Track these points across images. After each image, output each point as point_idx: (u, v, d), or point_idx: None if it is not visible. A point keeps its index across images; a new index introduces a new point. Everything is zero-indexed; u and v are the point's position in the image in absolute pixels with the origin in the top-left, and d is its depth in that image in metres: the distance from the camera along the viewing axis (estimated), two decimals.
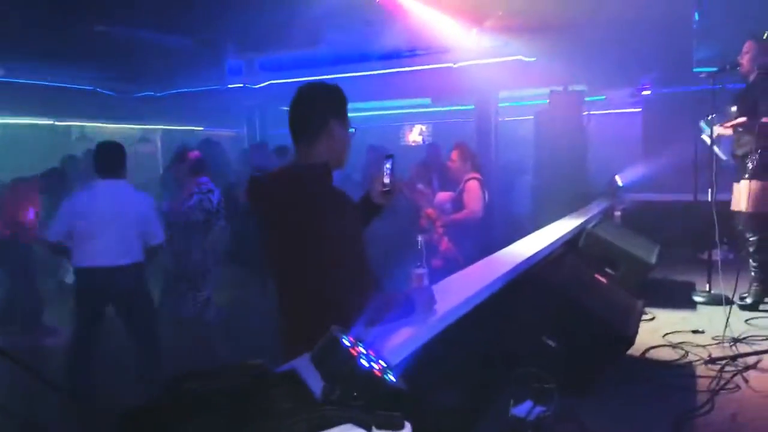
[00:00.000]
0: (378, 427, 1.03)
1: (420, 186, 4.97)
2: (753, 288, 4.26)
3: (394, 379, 1.34)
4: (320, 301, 1.89)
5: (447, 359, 2.27)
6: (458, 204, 5.03)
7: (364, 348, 1.37)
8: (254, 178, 2.29)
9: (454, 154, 4.98)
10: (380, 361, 1.39)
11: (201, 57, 8.94)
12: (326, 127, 2.06)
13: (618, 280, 3.78)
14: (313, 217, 1.94)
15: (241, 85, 10.36)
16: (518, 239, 3.95)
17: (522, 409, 2.61)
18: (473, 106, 9.41)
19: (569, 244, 4.12)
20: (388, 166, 2.36)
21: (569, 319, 2.79)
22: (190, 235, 4.09)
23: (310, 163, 2.05)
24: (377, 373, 1.31)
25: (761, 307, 4.20)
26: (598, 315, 2.79)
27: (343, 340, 1.32)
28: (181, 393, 1.02)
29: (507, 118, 10.22)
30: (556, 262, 3.36)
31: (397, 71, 8.64)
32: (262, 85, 10.27)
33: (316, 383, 1.20)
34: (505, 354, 2.69)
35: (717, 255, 4.54)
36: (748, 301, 4.22)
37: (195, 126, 12.06)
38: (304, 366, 1.32)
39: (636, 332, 2.94)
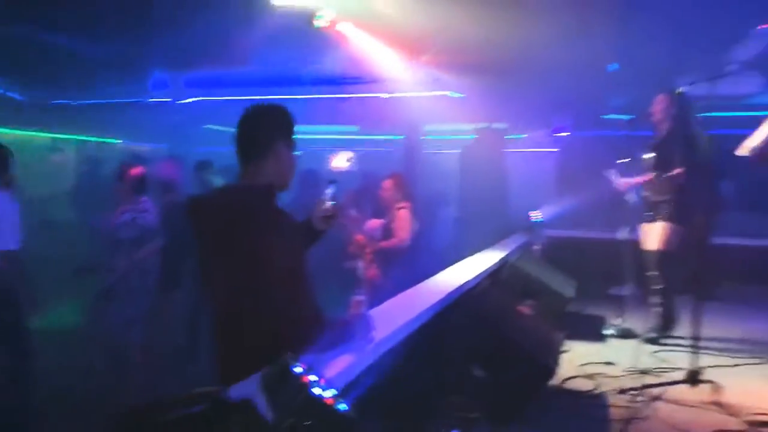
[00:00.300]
0: None
1: (352, 212, 4.99)
2: (657, 323, 4.55)
3: (346, 408, 1.34)
4: (261, 324, 1.86)
5: (380, 387, 2.28)
6: (388, 232, 5.09)
7: (314, 376, 1.37)
8: (194, 197, 2.24)
9: (388, 183, 5.06)
10: (331, 390, 1.38)
11: (123, 68, 8.61)
12: (273, 149, 2.06)
13: (538, 313, 3.93)
14: (257, 237, 1.91)
15: (165, 99, 10.05)
16: (441, 269, 4.05)
17: None
18: (401, 136, 9.60)
19: (493, 275, 4.26)
20: (329, 191, 2.38)
21: (496, 349, 2.88)
22: (119, 253, 3.92)
23: (255, 184, 2.04)
24: (329, 401, 1.31)
25: (665, 340, 4.48)
26: (524, 346, 2.89)
27: (295, 367, 1.31)
28: (142, 423, 0.97)
29: (433, 151, 10.49)
30: (483, 293, 3.46)
31: (329, 97, 8.69)
32: (187, 101, 10.02)
33: (267, 412, 1.18)
34: (435, 383, 2.73)
35: (627, 291, 4.84)
36: (653, 335, 4.50)
37: (113, 138, 11.55)
38: (251, 393, 1.29)
39: (557, 363, 3.07)
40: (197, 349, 4.34)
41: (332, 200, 2.35)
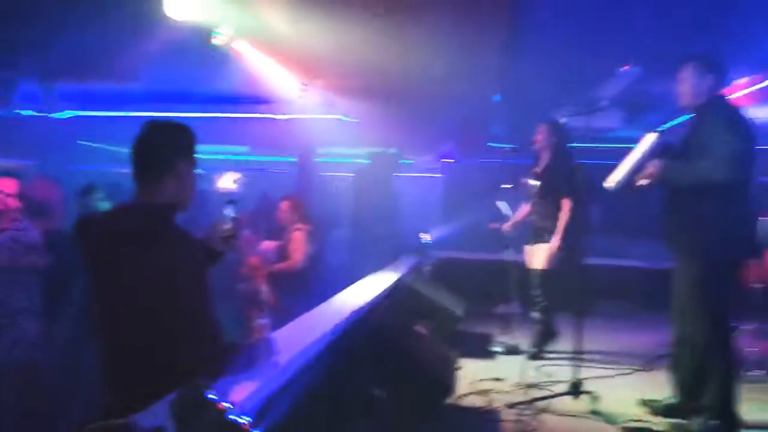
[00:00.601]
0: None
1: (246, 232, 4.88)
2: (540, 339, 4.82)
3: None
4: (163, 351, 1.76)
5: (286, 413, 2.23)
6: (283, 254, 5.03)
7: (227, 402, 1.32)
8: (84, 217, 2.10)
9: (284, 204, 5.02)
10: (245, 417, 1.34)
11: None
12: (174, 168, 1.97)
13: (433, 332, 4.04)
14: (158, 259, 1.82)
15: (36, 113, 9.28)
16: (335, 290, 4.06)
17: None
18: (294, 158, 9.56)
19: (389, 296, 4.33)
20: (229, 211, 2.33)
21: (396, 368, 2.92)
22: None
23: (154, 202, 1.94)
24: (246, 428, 1.27)
25: (549, 355, 4.76)
26: (423, 364, 2.96)
27: (209, 394, 1.26)
28: None
29: (326, 173, 10.52)
30: (381, 313, 3.50)
31: (219, 116, 8.46)
32: (61, 115, 9.31)
33: None
34: (338, 405, 2.71)
35: (511, 309, 5.11)
36: (537, 350, 4.76)
37: None
38: (162, 421, 1.22)
39: (455, 380, 3.16)
40: (77, 377, 4.01)
41: (231, 220, 2.30)
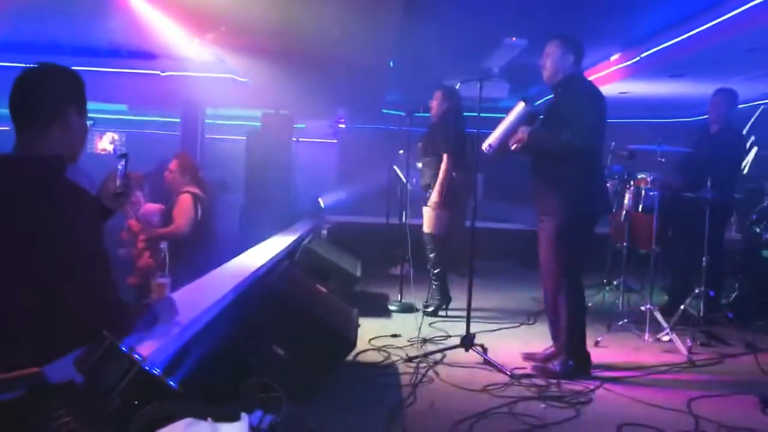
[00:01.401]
0: (216, 419, 0.98)
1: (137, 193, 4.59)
2: (433, 297, 5.02)
3: (174, 384, 1.27)
4: (61, 309, 1.63)
5: (185, 372, 2.18)
6: (168, 218, 4.75)
7: (139, 355, 1.27)
8: None
9: (173, 164, 4.73)
10: (155, 368, 1.30)
11: None
12: (62, 116, 1.81)
13: (333, 291, 4.08)
14: (50, 214, 1.68)
15: None
16: (229, 255, 3.97)
17: (253, 419, 2.64)
18: (178, 119, 9.11)
19: (289, 257, 4.30)
20: (121, 166, 2.19)
21: (299, 327, 2.92)
22: None
23: (39, 155, 1.78)
24: (161, 378, 1.23)
25: (441, 312, 4.98)
26: (325, 321, 2.99)
27: (121, 346, 1.20)
28: None
29: (215, 136, 10.13)
30: (282, 273, 3.48)
31: (93, 70, 7.82)
32: None
33: (93, 391, 1.07)
34: (238, 364, 2.68)
35: (406, 270, 5.26)
36: (431, 308, 4.96)
37: None
38: (72, 374, 1.15)
39: (356, 336, 3.23)
40: None
41: (123, 177, 2.17)
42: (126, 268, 4.50)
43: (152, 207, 4.95)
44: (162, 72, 7.71)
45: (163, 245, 2.21)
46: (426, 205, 5.01)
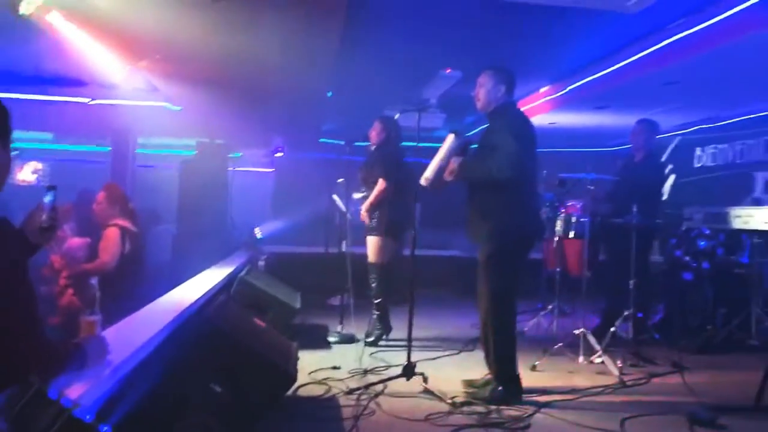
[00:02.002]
0: None
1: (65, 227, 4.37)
2: (375, 327, 5.00)
3: (108, 429, 1.21)
4: None
5: (119, 416, 2.07)
6: (94, 252, 4.53)
7: (69, 401, 1.20)
8: None
9: (101, 196, 4.55)
10: (87, 414, 1.23)
11: None
12: None
13: (271, 324, 3.99)
14: None
15: None
16: (158, 290, 3.82)
17: None
18: (108, 148, 8.80)
19: (225, 290, 4.20)
20: (48, 199, 2.10)
21: (237, 362, 2.84)
22: None
23: None
24: (91, 424, 1.16)
25: (382, 342, 4.96)
26: (265, 356, 2.92)
27: (49, 392, 1.13)
28: None
29: (147, 165, 9.84)
30: (218, 307, 3.38)
31: (17, 98, 7.47)
32: None
33: None
34: (174, 404, 2.57)
35: (346, 300, 5.23)
36: (372, 338, 4.94)
37: None
38: None
39: (296, 370, 3.16)
40: None
41: (50, 210, 2.07)
42: (48, 307, 4.25)
43: (77, 241, 4.72)
44: (91, 100, 7.44)
45: (94, 281, 2.11)
46: (369, 235, 5.03)
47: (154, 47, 5.33)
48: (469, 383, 3.79)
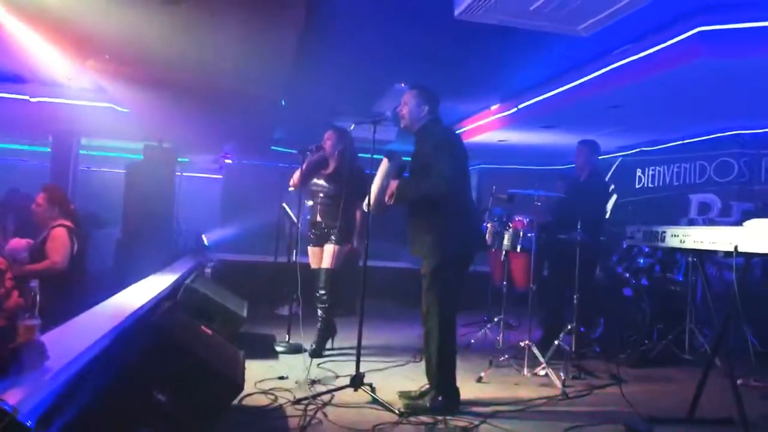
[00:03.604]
0: None
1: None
2: (322, 336, 4.96)
3: None
4: None
5: (58, 423, 1.98)
6: (39, 253, 4.42)
7: (8, 406, 1.15)
8: None
9: (41, 197, 4.41)
10: (28, 420, 1.18)
11: None
12: None
13: (218, 332, 3.91)
14: None
15: None
16: (103, 293, 3.73)
17: None
18: (48, 149, 8.47)
19: (170, 297, 4.09)
20: None
21: (183, 370, 2.76)
22: None
23: None
24: (33, 430, 1.11)
25: (329, 352, 4.93)
26: (210, 363, 2.85)
27: None
28: None
29: (91, 168, 9.52)
30: (163, 314, 3.30)
31: None
32: None
33: None
34: (116, 413, 2.48)
35: (295, 309, 5.17)
36: (319, 348, 4.89)
37: None
38: None
39: (243, 379, 3.11)
40: None
41: None
42: None
43: (19, 242, 4.55)
44: (31, 97, 7.15)
45: (34, 283, 2.02)
46: (321, 244, 5.00)
47: (102, 47, 5.18)
48: (404, 394, 3.81)
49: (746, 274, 3.56)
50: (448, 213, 3.63)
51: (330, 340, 5.03)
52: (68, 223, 4.48)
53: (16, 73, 6.48)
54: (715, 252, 3.30)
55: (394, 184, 3.71)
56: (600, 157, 9.44)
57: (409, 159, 3.89)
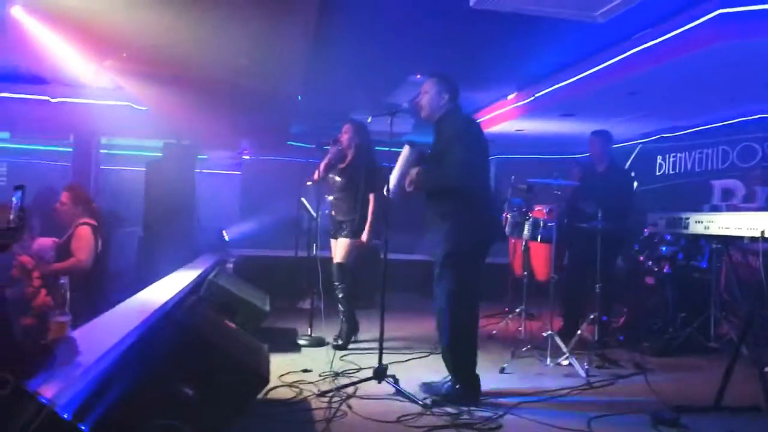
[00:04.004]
0: None
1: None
2: (343, 330, 4.99)
3: (86, 429, 1.18)
4: None
5: (92, 416, 2.02)
6: (64, 252, 4.50)
7: (46, 399, 1.17)
8: None
9: (65, 196, 4.48)
10: (65, 413, 1.20)
11: None
12: None
13: (242, 326, 3.95)
14: None
15: None
16: (129, 290, 3.77)
17: None
18: (70, 148, 8.58)
19: (195, 292, 4.14)
20: (16, 198, 2.06)
21: (209, 364, 2.80)
22: None
23: None
24: (71, 421, 1.13)
25: (351, 345, 4.95)
26: (238, 357, 2.89)
27: (28, 389, 1.10)
28: None
29: (111, 167, 9.63)
30: (189, 309, 3.34)
31: None
32: None
33: None
34: (144, 406, 2.52)
35: (316, 303, 5.21)
36: (341, 341, 4.92)
37: None
38: None
39: (269, 372, 3.14)
40: None
41: (18, 210, 2.03)
42: (19, 308, 4.15)
43: (45, 241, 4.65)
44: (52, 98, 7.25)
45: (64, 280, 2.06)
46: (340, 237, 5.02)
47: (120, 46, 5.23)
48: (427, 386, 3.81)
49: None
50: (465, 201, 3.62)
51: (353, 334, 5.04)
52: (92, 222, 4.56)
53: (37, 75, 6.56)
54: (740, 238, 3.24)
55: (413, 172, 3.70)
56: (620, 145, 9.36)
57: (429, 149, 3.88)
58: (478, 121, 8.65)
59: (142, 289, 3.96)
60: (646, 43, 5.27)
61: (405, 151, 3.87)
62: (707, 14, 4.60)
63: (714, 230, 3.50)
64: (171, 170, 7.07)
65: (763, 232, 3.03)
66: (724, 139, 7.70)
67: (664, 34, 5.06)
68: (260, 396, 3.42)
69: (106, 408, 2.14)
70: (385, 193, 3.90)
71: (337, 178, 5.06)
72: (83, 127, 7.83)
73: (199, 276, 4.65)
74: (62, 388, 1.69)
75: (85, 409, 1.73)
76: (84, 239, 4.49)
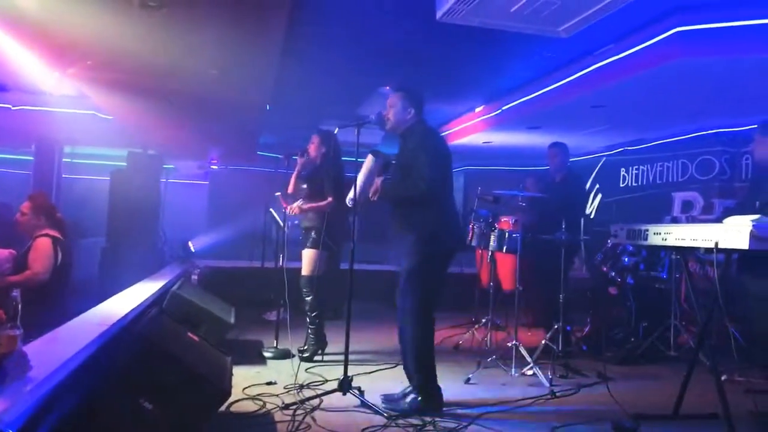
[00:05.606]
0: None
1: None
2: (309, 342, 4.95)
3: None
4: None
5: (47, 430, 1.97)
6: (22, 264, 4.36)
7: None
8: None
9: (26, 206, 4.36)
10: (9, 430, 1.17)
11: None
12: None
13: (205, 339, 3.89)
14: None
15: None
16: (86, 304, 3.69)
17: None
18: (31, 158, 8.39)
19: (157, 304, 4.07)
20: None
21: (167, 377, 2.75)
22: None
23: None
24: None
25: (318, 357, 4.92)
26: (196, 370, 2.84)
27: None
28: None
29: (75, 176, 9.43)
30: (150, 321, 3.27)
31: None
32: None
33: None
34: (102, 422, 2.47)
35: (283, 315, 5.15)
36: (307, 353, 4.88)
37: None
38: None
39: (231, 385, 3.10)
40: None
41: None
42: None
43: (3, 253, 4.50)
44: (13, 106, 7.08)
45: (15, 293, 2.01)
46: (303, 248, 4.99)
47: (83, 54, 5.14)
48: (387, 397, 3.80)
49: (728, 270, 3.59)
50: (429, 212, 3.67)
51: (320, 349, 4.99)
52: (54, 233, 4.41)
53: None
54: (697, 249, 3.33)
55: (378, 181, 3.74)
56: (585, 157, 9.55)
57: (394, 160, 3.91)
58: (445, 133, 8.83)
59: (104, 300, 3.88)
60: (609, 58, 5.41)
61: (368, 160, 3.92)
62: (665, 32, 4.75)
63: (671, 241, 3.59)
64: (136, 180, 6.97)
65: (716, 244, 3.11)
66: (684, 153, 7.93)
67: (626, 50, 5.20)
68: (222, 409, 3.38)
69: (60, 423, 2.09)
70: (347, 202, 3.90)
71: (304, 186, 5.06)
72: (45, 136, 7.68)
73: (162, 287, 4.58)
74: (11, 404, 1.65)
75: (32, 425, 1.69)
76: (41, 251, 4.34)
